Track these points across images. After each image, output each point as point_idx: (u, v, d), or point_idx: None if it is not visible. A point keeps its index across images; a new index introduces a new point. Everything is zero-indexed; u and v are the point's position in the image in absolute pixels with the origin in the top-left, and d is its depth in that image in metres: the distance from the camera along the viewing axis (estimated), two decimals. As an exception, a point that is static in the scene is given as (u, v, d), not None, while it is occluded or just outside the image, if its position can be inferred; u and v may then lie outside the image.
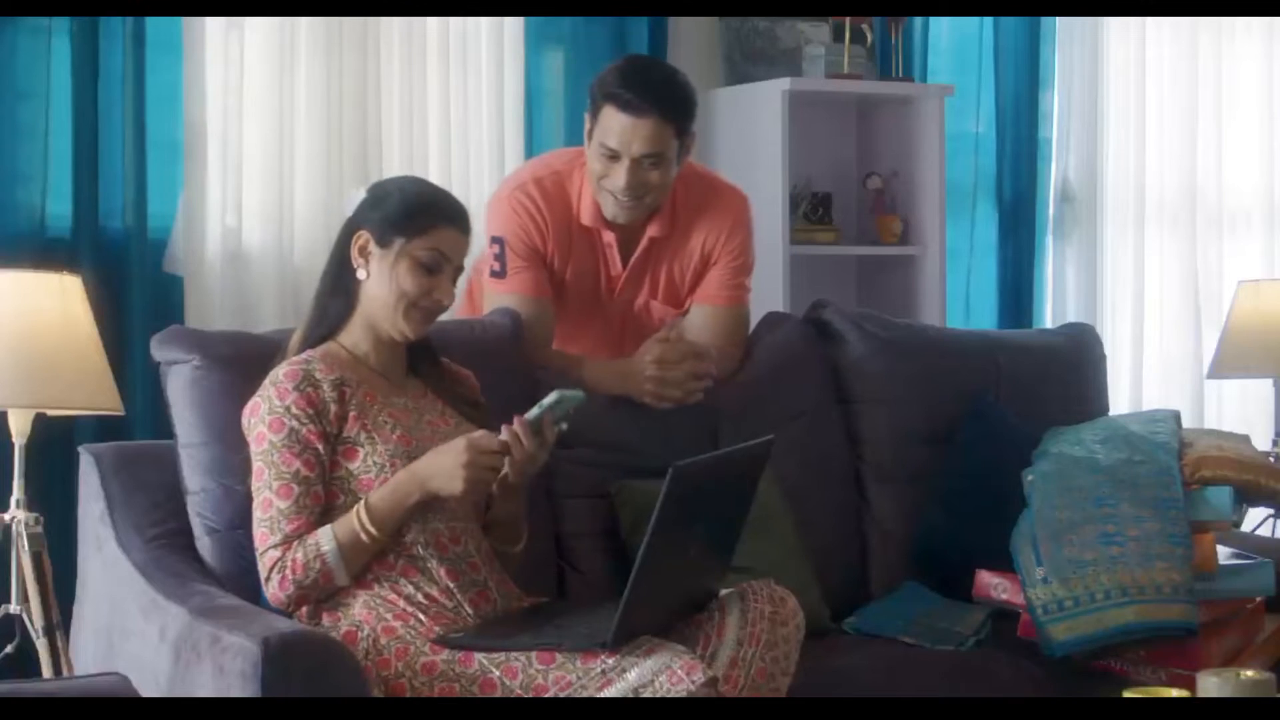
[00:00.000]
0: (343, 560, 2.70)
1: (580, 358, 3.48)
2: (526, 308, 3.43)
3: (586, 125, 3.40)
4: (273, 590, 2.71)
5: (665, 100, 3.33)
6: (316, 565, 2.69)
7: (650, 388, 3.40)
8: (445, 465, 2.71)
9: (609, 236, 3.48)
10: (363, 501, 2.72)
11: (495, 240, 3.47)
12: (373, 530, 2.70)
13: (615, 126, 3.32)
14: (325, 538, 2.70)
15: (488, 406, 3.02)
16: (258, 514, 2.74)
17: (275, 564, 2.71)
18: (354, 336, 2.87)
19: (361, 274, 2.84)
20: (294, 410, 2.74)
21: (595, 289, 3.54)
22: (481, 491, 2.80)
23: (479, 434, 2.74)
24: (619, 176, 3.35)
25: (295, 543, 2.70)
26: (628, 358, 3.46)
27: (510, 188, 3.52)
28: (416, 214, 2.82)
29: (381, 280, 2.82)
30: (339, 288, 2.86)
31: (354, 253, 2.84)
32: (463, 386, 3.01)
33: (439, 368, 2.99)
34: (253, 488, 2.76)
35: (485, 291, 3.52)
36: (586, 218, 3.46)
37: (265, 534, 2.72)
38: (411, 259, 2.80)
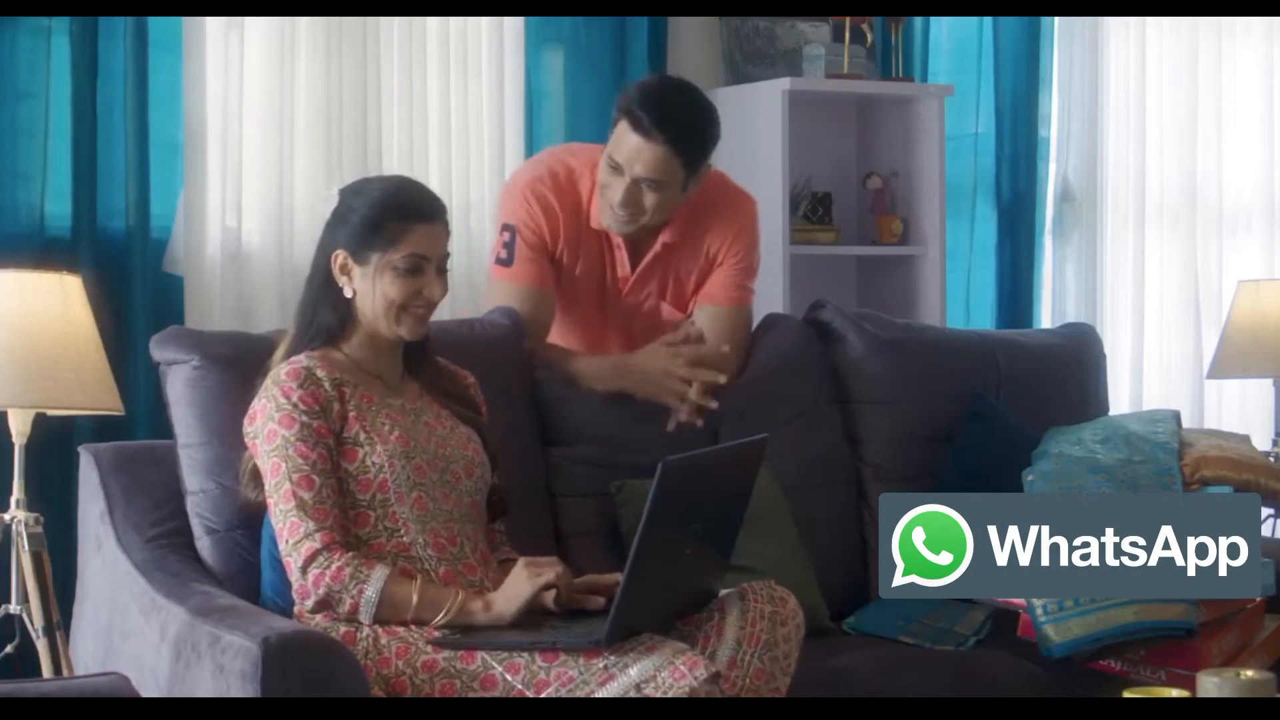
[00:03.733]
0: (374, 612, 2.67)
1: (571, 351, 3.47)
2: (529, 299, 3.43)
3: (610, 130, 3.38)
4: (305, 583, 2.67)
5: (677, 131, 3.29)
6: (354, 590, 2.66)
7: (673, 387, 3.37)
8: (513, 579, 2.72)
9: (619, 239, 3.48)
10: (422, 600, 2.68)
11: (506, 227, 3.46)
12: (409, 619, 2.68)
13: (624, 143, 3.32)
14: (374, 585, 2.66)
15: (482, 405, 3.02)
16: (281, 507, 2.70)
17: (314, 556, 2.67)
18: (353, 344, 2.87)
19: (348, 291, 2.83)
20: (301, 406, 2.74)
21: (602, 289, 3.54)
22: (545, 599, 2.73)
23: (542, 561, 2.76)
24: (617, 191, 3.34)
25: (343, 551, 2.67)
26: (627, 353, 3.45)
27: (528, 178, 3.50)
28: (385, 224, 2.80)
29: (368, 293, 2.81)
30: (325, 300, 2.85)
31: (336, 273, 2.84)
32: (459, 387, 3.01)
33: (435, 369, 2.99)
34: (269, 485, 2.74)
35: (490, 277, 3.51)
36: (595, 220, 3.45)
37: (296, 523, 2.69)
38: (392, 269, 2.80)
